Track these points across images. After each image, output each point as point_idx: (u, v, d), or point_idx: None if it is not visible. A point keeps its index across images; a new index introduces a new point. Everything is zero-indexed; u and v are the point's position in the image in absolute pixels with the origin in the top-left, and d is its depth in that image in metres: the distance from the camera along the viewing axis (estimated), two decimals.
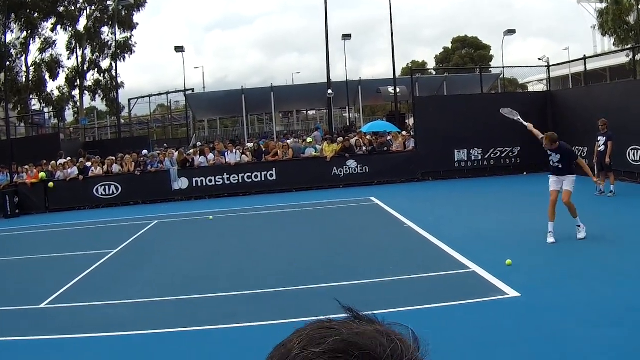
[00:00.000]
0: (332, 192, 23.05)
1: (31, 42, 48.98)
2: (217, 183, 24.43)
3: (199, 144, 37.68)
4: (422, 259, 11.50)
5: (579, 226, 12.14)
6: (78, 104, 53.33)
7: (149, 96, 56.81)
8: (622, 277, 9.14)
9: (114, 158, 25.53)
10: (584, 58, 24.15)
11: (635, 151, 19.07)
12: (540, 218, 14.06)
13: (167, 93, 56.66)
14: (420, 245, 12.69)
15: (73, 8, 50.11)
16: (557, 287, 8.82)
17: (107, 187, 23.97)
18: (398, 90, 38.74)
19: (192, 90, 51.71)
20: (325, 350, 0.90)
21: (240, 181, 24.47)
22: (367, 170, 24.65)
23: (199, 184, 24.40)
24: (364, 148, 25.63)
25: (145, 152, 27.61)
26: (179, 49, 51.94)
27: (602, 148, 17.19)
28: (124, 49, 50.93)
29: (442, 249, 11.84)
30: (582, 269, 9.99)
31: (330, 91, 35.45)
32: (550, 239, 11.99)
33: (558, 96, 24.32)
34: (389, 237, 14.08)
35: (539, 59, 52.87)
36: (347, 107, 56.76)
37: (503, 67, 43.14)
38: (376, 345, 0.91)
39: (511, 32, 49.18)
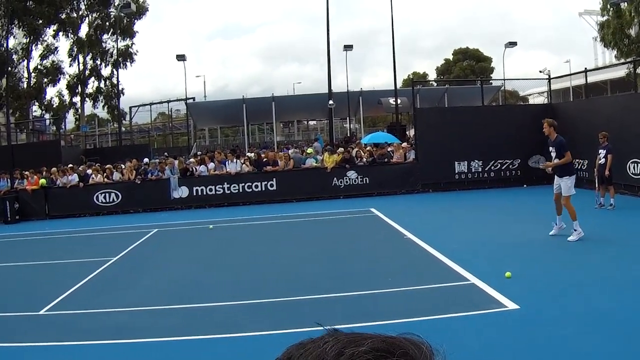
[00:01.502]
0: (332, 203, 23.07)
1: (33, 48, 49.19)
2: (217, 192, 24.45)
3: (199, 153, 37.71)
4: (422, 270, 11.49)
5: (575, 230, 12.90)
6: (79, 110, 53.50)
7: (150, 104, 56.81)
8: (621, 289, 9.16)
9: (111, 166, 25.55)
10: (585, 71, 24.22)
11: (636, 164, 19.09)
12: (540, 229, 14.13)
13: (169, 101, 56.61)
14: (420, 257, 12.68)
15: (75, 15, 50.31)
16: (556, 299, 8.83)
17: (107, 194, 23.99)
18: (399, 101, 38.82)
19: (193, 98, 51.71)
20: (369, 349, 0.93)
21: (241, 191, 24.49)
22: (368, 182, 24.68)
23: (199, 193, 24.43)
24: (364, 159, 25.64)
25: (146, 160, 27.65)
26: (181, 58, 52.17)
27: (602, 161, 17.19)
28: (125, 56, 51.04)
29: (442, 261, 11.84)
30: (581, 280, 9.98)
31: (331, 102, 35.47)
32: (553, 231, 13.44)
33: (559, 109, 24.34)
34: (389, 248, 14.09)
35: (540, 72, 53.13)
36: (347, 118, 56.85)
37: (504, 80, 43.22)
38: (413, 347, 0.96)
39: (512, 44, 49.34)
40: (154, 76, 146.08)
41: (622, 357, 6.58)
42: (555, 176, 13.58)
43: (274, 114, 51.76)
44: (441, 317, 8.32)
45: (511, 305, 8.59)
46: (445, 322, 8.14)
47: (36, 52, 49.73)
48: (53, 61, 51.00)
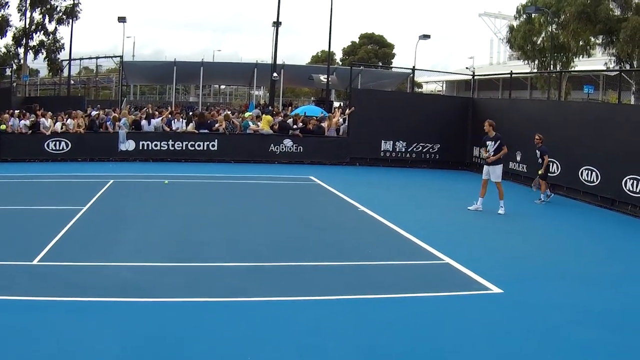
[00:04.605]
0: (270, 167, 22.64)
1: None
2: (162, 148, 23.47)
3: (128, 107, 37.12)
4: (393, 245, 11.12)
5: (502, 207, 14.40)
6: (22, 61, 52.73)
7: (80, 59, 55.32)
8: (598, 270, 9.25)
9: (63, 114, 23.95)
10: (511, 74, 24.82)
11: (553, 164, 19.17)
12: (482, 216, 14.19)
13: (97, 58, 55.58)
14: (384, 231, 12.27)
15: None
16: (534, 282, 8.79)
17: (57, 142, 22.53)
18: (329, 78, 38.91)
19: (121, 57, 50.45)
20: None
21: (184, 148, 23.61)
22: (302, 150, 24.29)
23: (145, 148, 23.36)
24: (298, 126, 25.12)
25: (94, 112, 26.35)
26: (122, 19, 51.64)
27: (540, 161, 17.24)
28: (70, 13, 49.67)
29: (408, 238, 11.49)
30: (557, 265, 9.95)
31: (275, 74, 35.69)
32: (472, 207, 14.73)
33: (480, 104, 24.61)
34: (350, 220, 13.51)
35: (467, 68, 54.22)
36: (274, 88, 56.82)
37: (413, 69, 43.15)
38: None
39: (426, 36, 49.38)
40: (99, 35, 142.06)
41: (615, 348, 6.57)
42: (485, 165, 14.85)
43: (201, 77, 51.77)
44: (432, 295, 8.11)
45: (492, 287, 8.46)
46: (433, 300, 7.93)
47: None
48: (3, 15, 50.58)
